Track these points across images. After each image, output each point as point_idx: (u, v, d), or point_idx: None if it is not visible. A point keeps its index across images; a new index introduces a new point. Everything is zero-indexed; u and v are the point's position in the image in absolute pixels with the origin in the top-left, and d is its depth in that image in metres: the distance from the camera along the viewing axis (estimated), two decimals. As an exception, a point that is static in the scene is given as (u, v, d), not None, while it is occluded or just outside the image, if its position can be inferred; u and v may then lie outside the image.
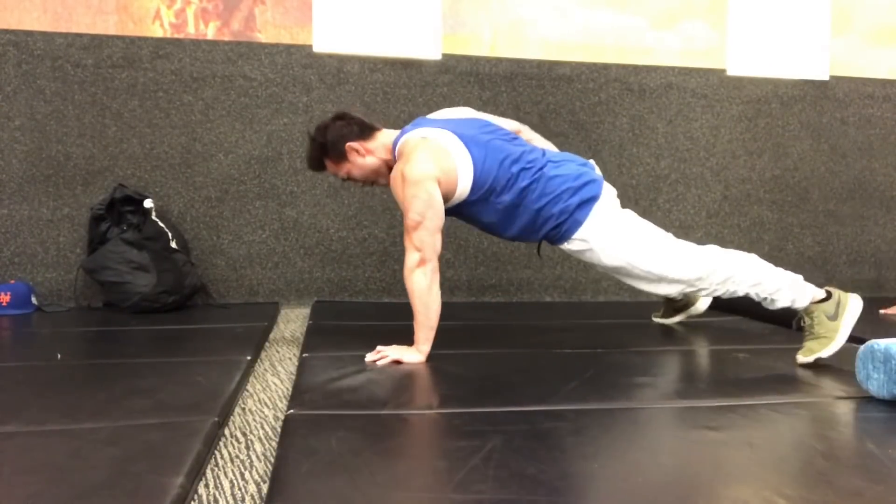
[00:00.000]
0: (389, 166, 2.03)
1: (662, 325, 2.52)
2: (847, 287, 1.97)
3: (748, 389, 1.63)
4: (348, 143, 2.01)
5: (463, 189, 1.91)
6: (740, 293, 1.97)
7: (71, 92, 2.99)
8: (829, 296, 1.93)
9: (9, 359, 2.04)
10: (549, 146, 2.22)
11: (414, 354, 1.87)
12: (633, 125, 3.47)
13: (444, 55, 3.27)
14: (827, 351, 1.86)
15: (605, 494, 1.05)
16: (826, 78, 3.65)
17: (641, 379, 1.75)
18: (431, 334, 1.88)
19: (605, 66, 3.43)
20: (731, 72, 3.55)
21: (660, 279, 1.95)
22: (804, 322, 1.95)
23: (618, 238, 1.93)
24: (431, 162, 1.87)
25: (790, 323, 2.39)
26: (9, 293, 2.74)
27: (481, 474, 1.10)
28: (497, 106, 3.32)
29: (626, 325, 2.46)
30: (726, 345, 2.21)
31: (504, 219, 1.98)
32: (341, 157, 2.03)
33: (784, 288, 1.93)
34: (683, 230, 3.49)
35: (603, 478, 1.12)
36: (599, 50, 3.44)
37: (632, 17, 3.46)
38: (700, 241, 1.99)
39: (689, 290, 1.98)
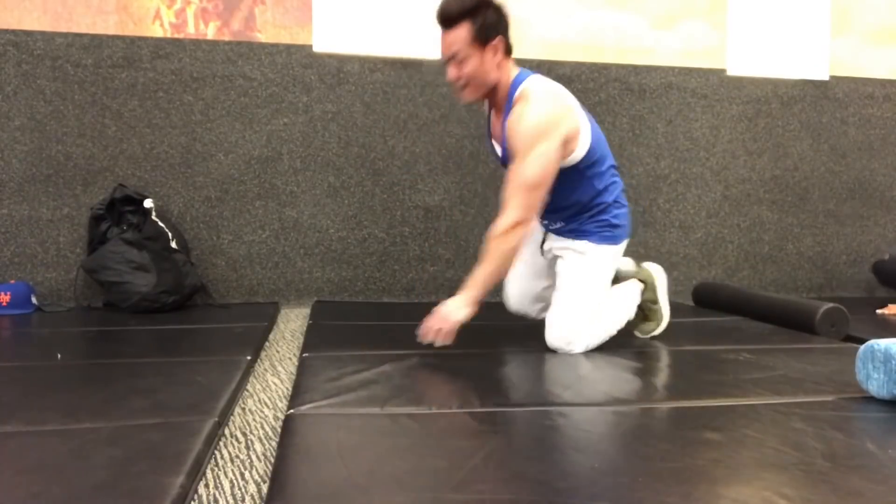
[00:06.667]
0: (491, 96, 1.89)
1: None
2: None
3: (748, 389, 1.63)
4: (499, 36, 1.81)
5: (575, 157, 1.83)
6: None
7: (71, 92, 2.99)
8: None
9: (9, 359, 2.04)
10: None
11: (458, 309, 1.78)
12: (633, 125, 3.47)
13: (444, 55, 3.27)
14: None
15: (605, 494, 1.05)
16: (826, 78, 3.65)
17: (641, 379, 1.75)
18: (483, 291, 1.77)
19: (605, 66, 3.43)
20: (731, 72, 3.55)
21: (572, 328, 1.99)
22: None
23: (591, 274, 2.02)
24: (563, 115, 1.77)
25: (791, 323, 2.38)
26: (9, 293, 2.74)
27: (481, 474, 1.09)
28: (497, 106, 3.32)
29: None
30: (726, 345, 2.21)
31: (571, 198, 1.94)
32: (484, 40, 1.79)
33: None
34: (683, 230, 3.50)
35: (603, 478, 1.11)
36: (599, 50, 3.44)
37: (632, 17, 3.46)
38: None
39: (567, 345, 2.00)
